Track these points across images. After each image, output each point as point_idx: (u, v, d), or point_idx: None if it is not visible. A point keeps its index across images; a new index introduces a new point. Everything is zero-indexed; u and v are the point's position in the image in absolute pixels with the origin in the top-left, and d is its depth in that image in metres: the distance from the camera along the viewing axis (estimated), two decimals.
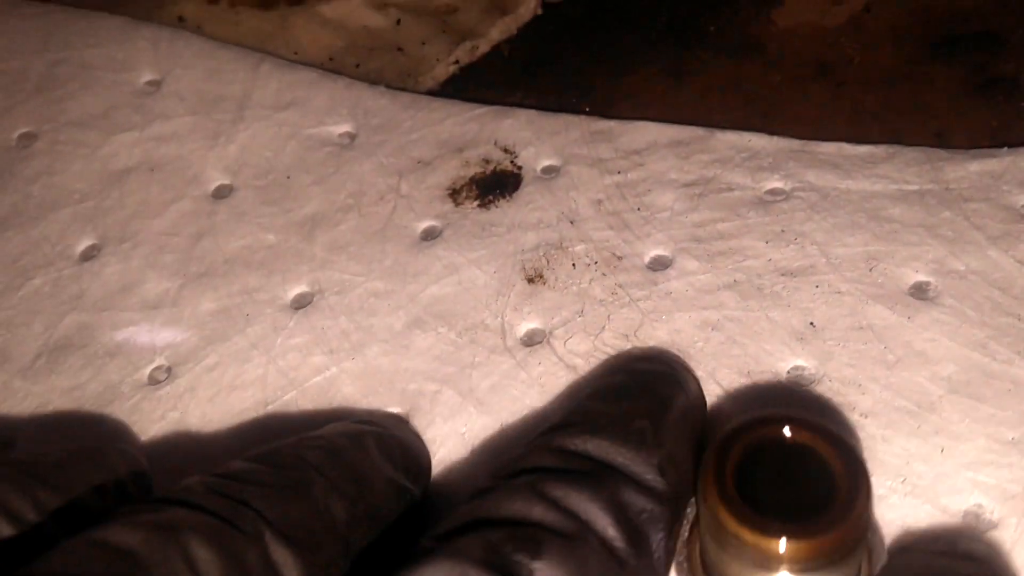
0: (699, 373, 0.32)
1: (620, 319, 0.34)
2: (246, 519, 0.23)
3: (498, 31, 0.47)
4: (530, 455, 0.24)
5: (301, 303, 0.37)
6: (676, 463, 0.25)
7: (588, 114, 0.41)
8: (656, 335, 0.33)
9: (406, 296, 0.36)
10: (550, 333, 0.34)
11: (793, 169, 0.37)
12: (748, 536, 0.22)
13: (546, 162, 0.39)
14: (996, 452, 0.29)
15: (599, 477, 0.23)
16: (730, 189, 0.37)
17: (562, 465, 0.23)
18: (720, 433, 0.25)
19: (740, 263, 0.34)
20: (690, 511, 0.27)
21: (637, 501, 0.23)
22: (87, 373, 0.36)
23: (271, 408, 0.34)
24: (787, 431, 0.24)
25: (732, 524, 0.23)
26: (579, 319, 0.34)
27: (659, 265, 0.35)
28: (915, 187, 0.35)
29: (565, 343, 0.34)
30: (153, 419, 0.35)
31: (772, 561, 0.23)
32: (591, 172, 0.38)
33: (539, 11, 0.48)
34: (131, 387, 0.36)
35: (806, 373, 0.32)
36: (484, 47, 0.47)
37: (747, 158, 0.38)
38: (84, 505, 0.26)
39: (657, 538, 0.23)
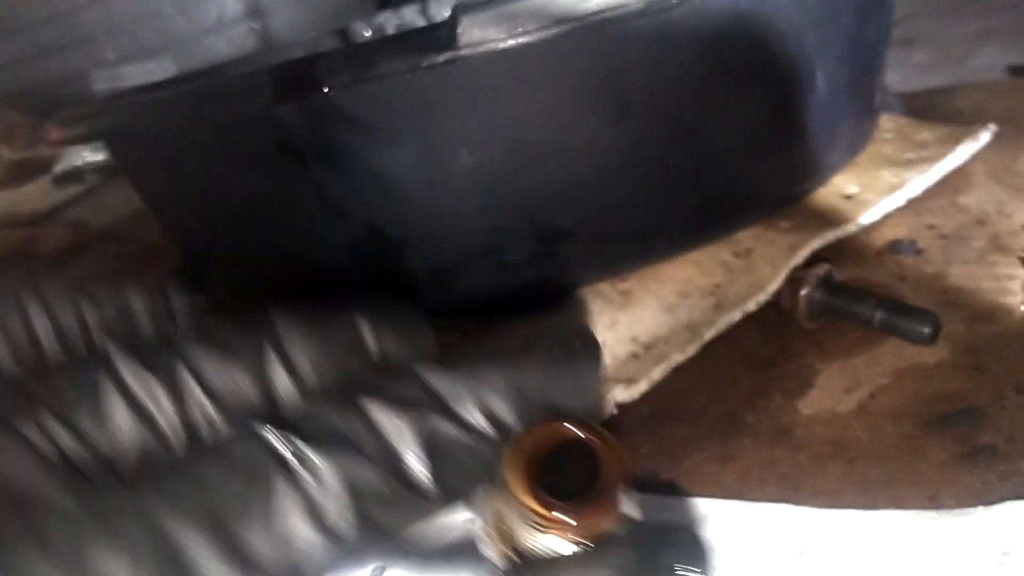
0: None
1: None
2: None
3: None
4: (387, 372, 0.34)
5: None
6: (499, 415, 0.34)
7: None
8: None
9: None
10: None
11: (810, 537, 0.47)
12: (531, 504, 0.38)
13: None
14: None
15: (425, 405, 0.31)
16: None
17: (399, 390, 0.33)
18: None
19: None
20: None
21: (450, 432, 0.30)
22: None
23: None
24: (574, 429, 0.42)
25: (521, 493, 0.38)
26: None
27: None
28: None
29: None
30: None
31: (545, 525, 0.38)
32: None
33: (615, 410, 0.62)
34: None
35: None
36: None
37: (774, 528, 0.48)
38: None
39: (458, 470, 0.30)
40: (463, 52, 0.52)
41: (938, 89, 0.92)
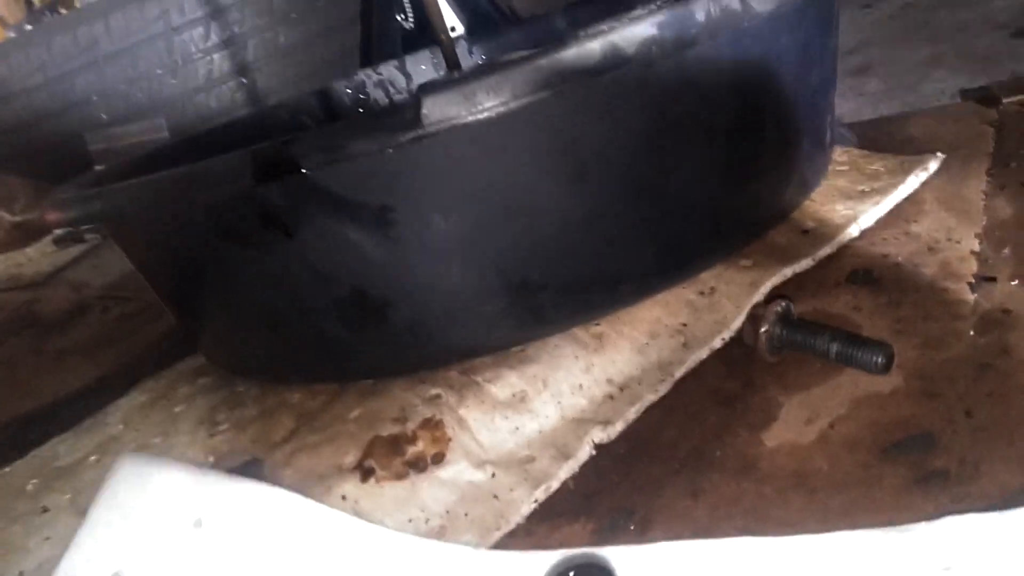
0: None
1: None
2: None
3: (565, 471, 0.65)
4: None
5: None
6: None
7: (633, 531, 0.57)
8: None
9: None
10: None
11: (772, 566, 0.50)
12: None
13: None
14: None
15: None
16: None
17: None
18: None
19: None
20: None
21: None
22: None
23: None
24: None
25: None
26: None
27: None
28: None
29: None
30: None
31: None
32: None
33: (593, 452, 0.65)
34: None
35: None
36: (555, 485, 0.64)
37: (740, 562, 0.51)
38: None
39: None
40: (429, 130, 0.56)
41: (891, 117, 0.96)
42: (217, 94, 1.75)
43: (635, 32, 0.56)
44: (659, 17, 0.57)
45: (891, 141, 0.89)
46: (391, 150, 0.58)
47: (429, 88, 0.56)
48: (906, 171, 0.80)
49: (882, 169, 0.82)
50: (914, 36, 1.18)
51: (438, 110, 0.56)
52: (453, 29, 1.67)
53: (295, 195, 0.61)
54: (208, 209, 0.64)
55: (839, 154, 0.84)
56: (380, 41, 1.64)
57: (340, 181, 0.60)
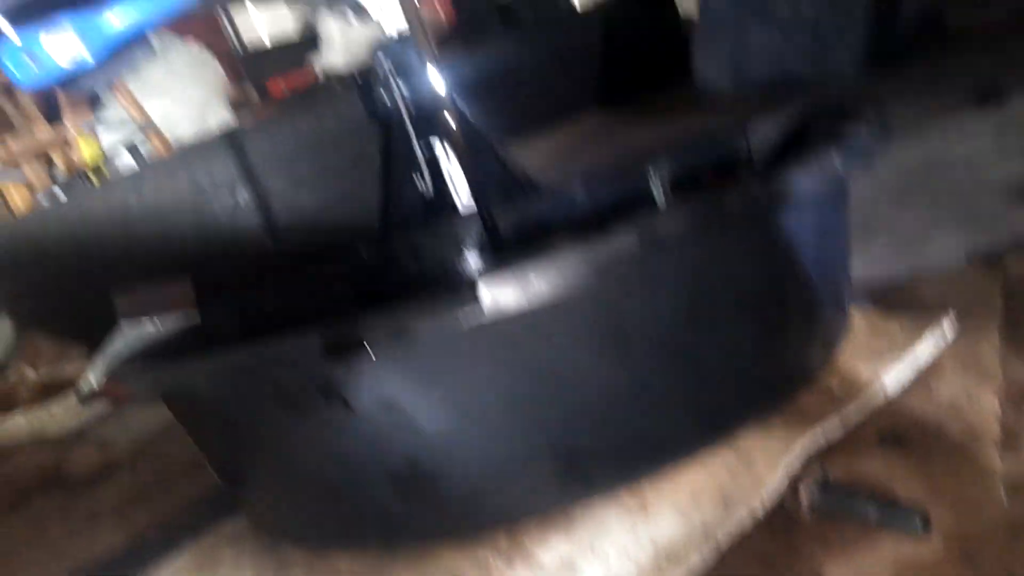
0: None
1: None
2: None
3: None
4: None
5: None
6: None
7: None
8: None
9: None
10: None
11: None
12: None
13: None
14: None
15: None
16: None
17: None
18: None
19: None
20: None
21: None
22: None
23: None
24: None
25: None
26: None
27: None
28: None
29: None
30: None
31: None
32: None
33: None
34: None
35: None
36: None
37: None
38: None
39: None
40: (484, 312, 0.61)
41: (900, 278, 1.01)
42: (242, 250, 1.84)
43: (674, 220, 0.62)
44: (695, 206, 0.63)
45: (903, 302, 0.94)
46: (449, 330, 0.62)
47: (485, 273, 0.62)
48: (922, 332, 0.85)
49: (899, 329, 0.86)
50: (915, 197, 1.25)
51: (494, 293, 0.61)
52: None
53: (355, 370, 0.65)
54: (271, 383, 0.68)
55: (857, 316, 0.89)
56: (400, 202, 1.73)
57: (399, 358, 0.64)
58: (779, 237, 0.72)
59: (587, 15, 4.25)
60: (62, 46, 1.33)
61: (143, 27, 1.40)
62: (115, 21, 1.35)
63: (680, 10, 3.86)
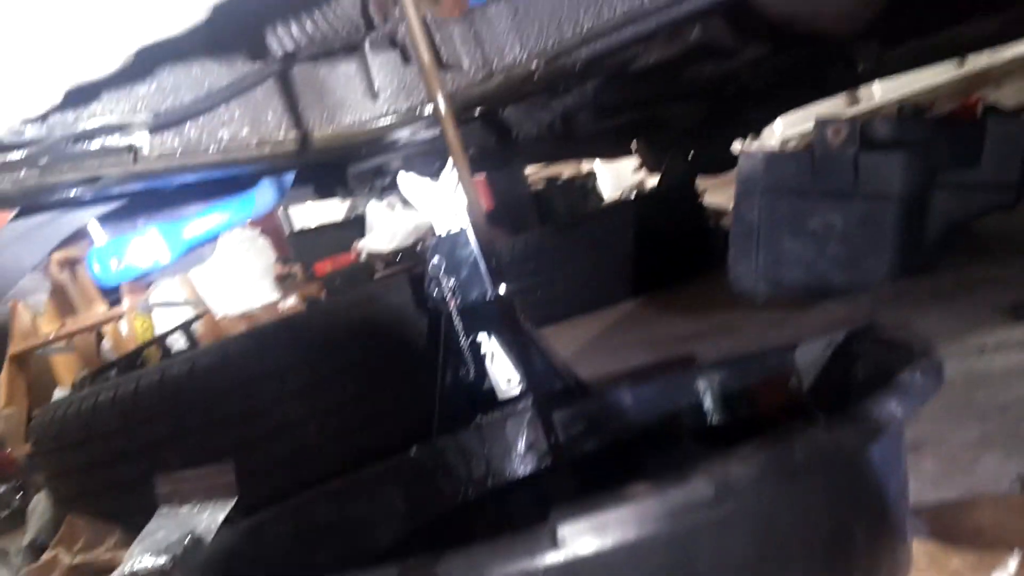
0: None
1: None
2: None
3: None
4: None
5: None
6: None
7: None
8: None
9: None
10: None
11: None
12: None
13: None
14: None
15: None
16: None
17: None
18: None
19: None
20: None
21: None
22: None
23: None
24: None
25: None
26: None
27: None
28: None
29: None
30: None
31: None
32: None
33: None
34: None
35: None
36: None
37: None
38: None
39: None
40: (563, 554, 0.63)
41: (955, 503, 1.02)
42: (290, 440, 1.86)
43: (745, 469, 0.65)
44: (764, 454, 0.66)
45: (961, 532, 0.94)
46: (526, 573, 0.64)
47: (563, 515, 0.64)
48: (987, 570, 0.84)
49: (961, 567, 0.86)
50: (961, 414, 1.27)
51: (573, 536, 0.63)
52: (509, 380, 1.81)
53: None
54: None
55: (916, 548, 0.89)
56: (446, 396, 1.77)
57: None
58: (848, 477, 0.74)
59: (618, 207, 4.46)
60: (146, 250, 1.43)
61: (220, 231, 1.51)
62: (196, 229, 1.47)
63: (703, 200, 4.05)
